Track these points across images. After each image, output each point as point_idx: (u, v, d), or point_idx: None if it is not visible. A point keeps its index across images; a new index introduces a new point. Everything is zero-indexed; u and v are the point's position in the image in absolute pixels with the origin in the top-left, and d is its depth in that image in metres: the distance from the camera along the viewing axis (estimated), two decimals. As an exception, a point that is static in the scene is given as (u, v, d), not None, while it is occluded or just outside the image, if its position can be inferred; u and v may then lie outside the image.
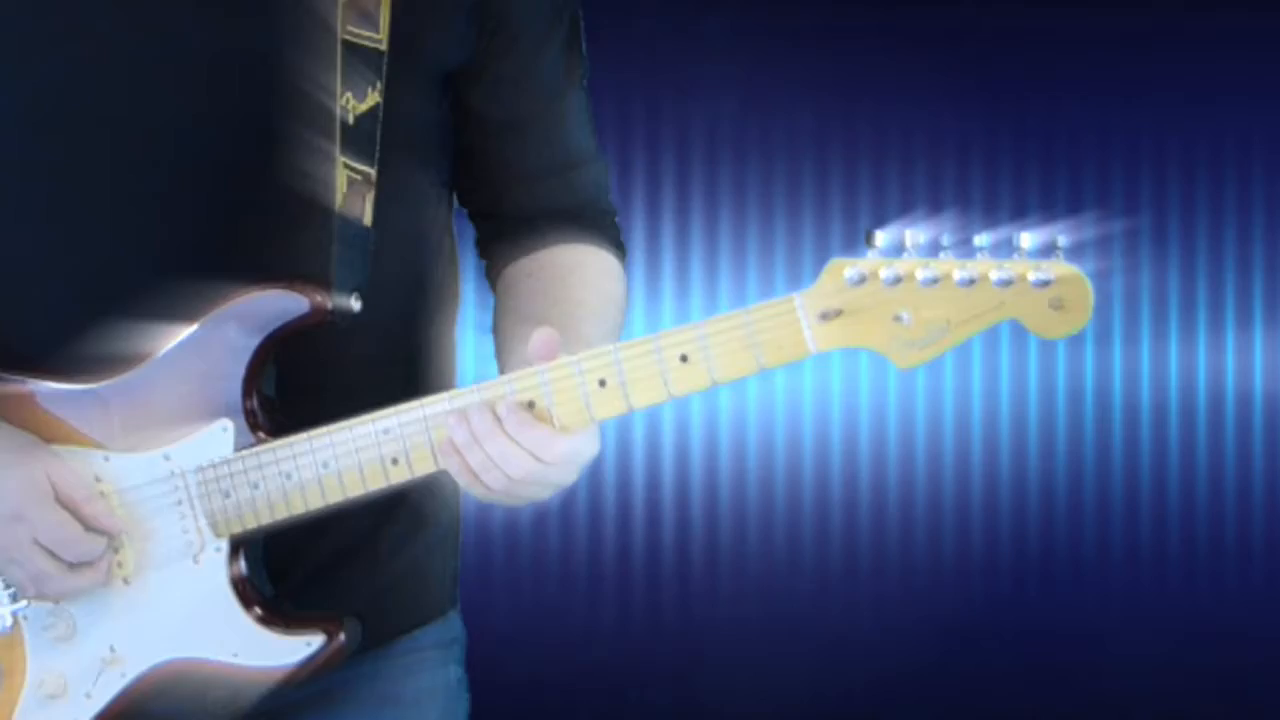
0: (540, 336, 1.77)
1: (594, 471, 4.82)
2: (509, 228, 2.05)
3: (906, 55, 4.80)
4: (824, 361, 4.65)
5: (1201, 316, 4.84)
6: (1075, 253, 1.67)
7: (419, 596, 2.08)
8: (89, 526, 1.86)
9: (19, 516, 1.84)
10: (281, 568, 1.92)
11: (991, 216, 5.10)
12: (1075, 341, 4.85)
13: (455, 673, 2.11)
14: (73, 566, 1.85)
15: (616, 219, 2.09)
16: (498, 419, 1.75)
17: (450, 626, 2.12)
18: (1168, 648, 4.82)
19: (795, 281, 4.75)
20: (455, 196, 2.08)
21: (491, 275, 2.07)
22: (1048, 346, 4.87)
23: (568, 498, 4.77)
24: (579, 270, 2.00)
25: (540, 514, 4.52)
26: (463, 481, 1.79)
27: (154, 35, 1.86)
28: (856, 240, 5.04)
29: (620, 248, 2.07)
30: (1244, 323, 4.81)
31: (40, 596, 1.89)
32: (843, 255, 1.67)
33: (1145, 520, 4.88)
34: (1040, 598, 4.91)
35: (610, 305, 1.98)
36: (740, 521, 4.89)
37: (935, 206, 4.84)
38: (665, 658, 4.81)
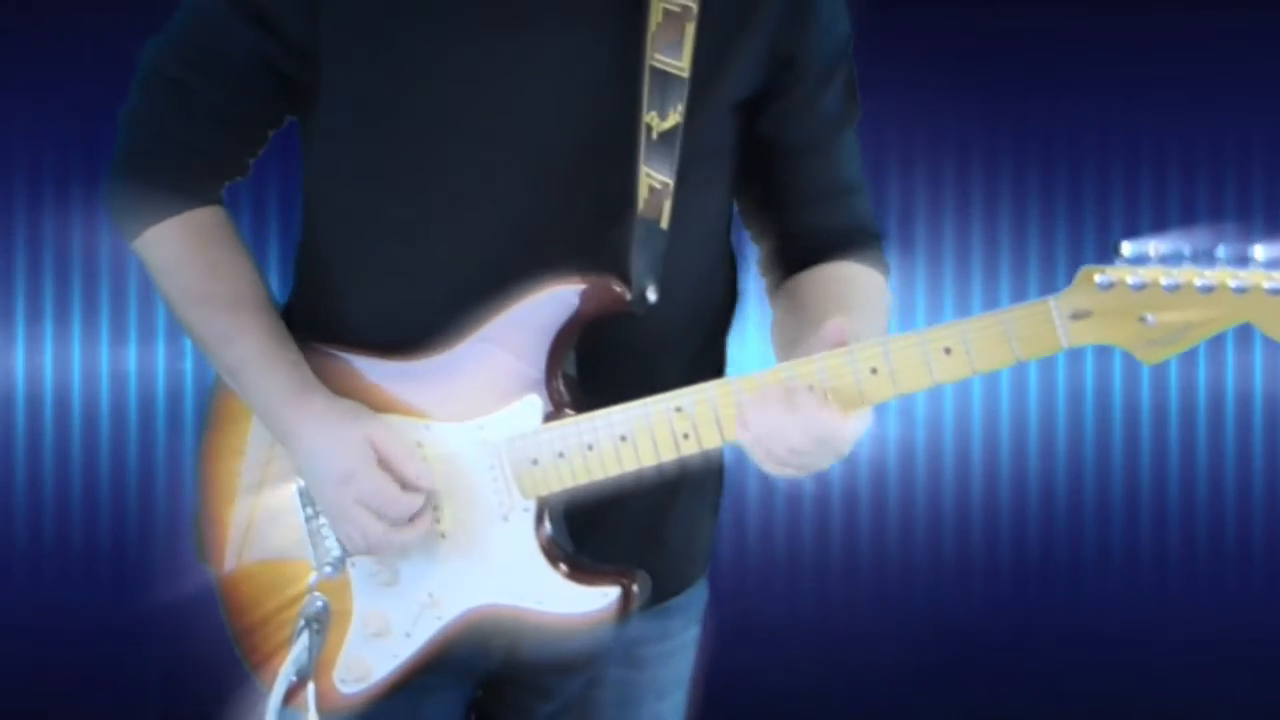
0: (833, 324, 2.04)
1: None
2: (790, 245, 2.31)
3: (907, 55, 4.84)
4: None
5: (1201, 316, 4.90)
6: None
7: (685, 566, 2.37)
8: (407, 486, 2.13)
9: (348, 478, 2.13)
10: (577, 531, 2.19)
11: (991, 216, 5.11)
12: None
13: (695, 631, 2.41)
14: (394, 524, 2.13)
15: (882, 239, 2.37)
16: (793, 403, 2.01)
17: (700, 591, 2.41)
18: (1168, 648, 4.89)
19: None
20: (740, 216, 2.36)
21: (772, 288, 2.34)
22: (1048, 348, 4.91)
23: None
24: (855, 282, 2.27)
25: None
26: (755, 455, 2.06)
27: (502, 55, 2.14)
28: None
29: (886, 265, 2.34)
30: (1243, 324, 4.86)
31: (367, 552, 2.16)
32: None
33: (1145, 520, 4.98)
34: (1040, 598, 5.00)
35: (880, 315, 2.26)
36: (740, 521, 4.93)
37: (935, 206, 4.90)
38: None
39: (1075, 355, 4.97)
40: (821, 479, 4.93)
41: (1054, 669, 4.92)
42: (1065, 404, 4.97)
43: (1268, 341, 4.87)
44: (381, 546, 2.14)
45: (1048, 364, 4.97)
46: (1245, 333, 4.90)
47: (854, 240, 2.30)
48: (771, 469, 2.06)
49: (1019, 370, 4.95)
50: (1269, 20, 4.85)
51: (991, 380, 4.95)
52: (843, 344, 2.02)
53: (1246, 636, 4.92)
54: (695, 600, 2.40)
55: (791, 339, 2.17)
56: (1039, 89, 4.92)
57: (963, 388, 4.95)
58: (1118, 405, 4.96)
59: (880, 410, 4.89)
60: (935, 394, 4.94)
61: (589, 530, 2.20)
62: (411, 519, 2.14)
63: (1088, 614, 4.96)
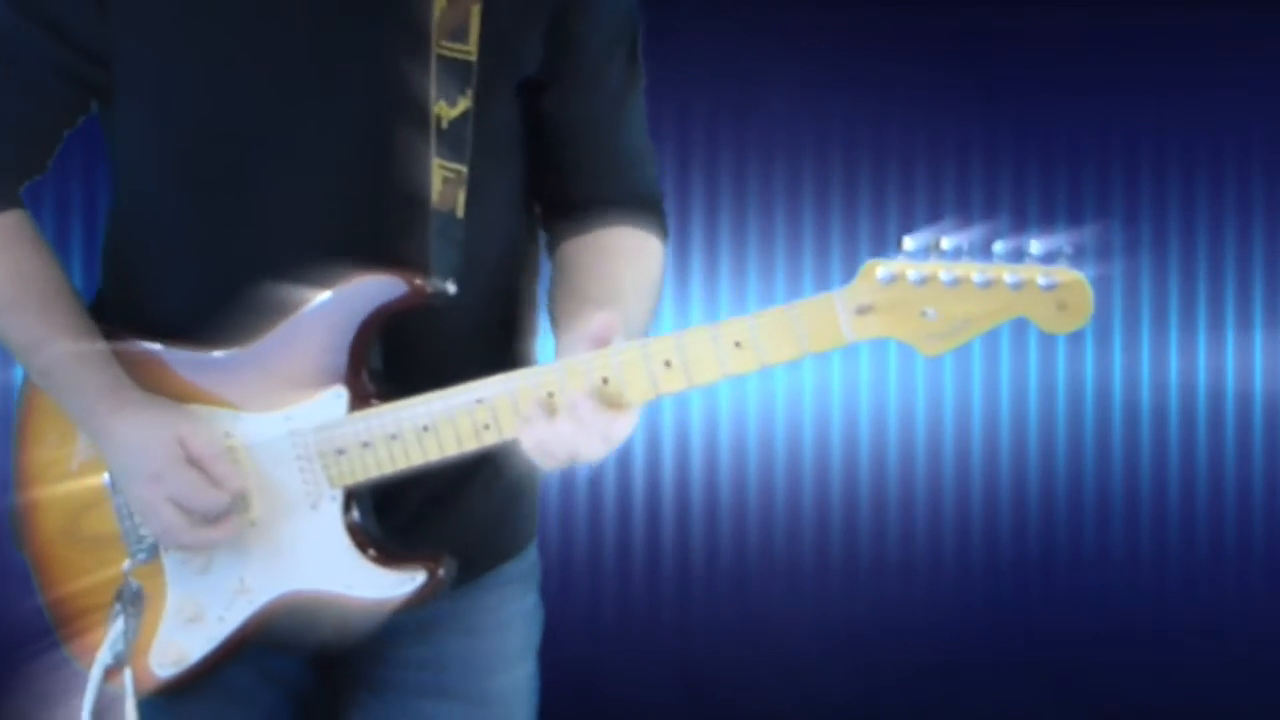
0: (601, 320, 2.09)
1: (593, 474, 4.87)
2: (572, 211, 2.36)
3: (906, 55, 4.87)
4: (824, 360, 4.74)
5: (1201, 316, 4.92)
6: (1079, 258, 1.93)
7: (503, 536, 2.41)
8: (215, 483, 2.19)
9: (157, 477, 2.19)
10: (385, 512, 2.24)
11: (991, 216, 5.15)
12: (1075, 341, 4.94)
13: (532, 599, 2.45)
14: (202, 522, 2.19)
15: (663, 205, 2.42)
16: (577, 416, 2.07)
17: (528, 558, 2.45)
18: (1168, 648, 4.88)
19: (794, 277, 4.85)
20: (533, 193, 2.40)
21: (550, 248, 2.39)
22: (1048, 346, 4.96)
23: (565, 498, 4.85)
24: (627, 253, 2.33)
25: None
26: (533, 454, 2.11)
27: (281, 52, 2.19)
28: (856, 238, 5.15)
29: (664, 231, 2.40)
30: (1244, 323, 4.90)
31: (177, 547, 2.23)
32: (873, 255, 1.99)
33: (1145, 520, 4.97)
34: (1040, 597, 4.99)
35: (652, 284, 2.34)
36: (740, 521, 4.97)
37: (935, 206, 4.94)
38: (666, 657, 4.87)
39: (1076, 351, 4.98)
40: (821, 478, 5.01)
41: (1053, 669, 4.92)
42: (1065, 404, 4.98)
43: (1269, 339, 4.90)
44: (190, 543, 2.20)
45: (1048, 363, 4.97)
46: (1248, 331, 4.93)
47: (633, 206, 2.34)
48: (546, 465, 2.11)
49: (1019, 370, 4.98)
50: (1269, 20, 4.85)
51: (991, 380, 4.96)
52: (607, 344, 2.08)
53: (1246, 636, 4.92)
54: (528, 567, 2.44)
55: (565, 311, 2.24)
56: (1039, 89, 4.94)
57: (963, 387, 4.97)
58: (1118, 405, 4.96)
59: (880, 410, 4.96)
60: (935, 394, 4.97)
61: (400, 510, 2.25)
62: (220, 517, 2.20)
63: (1087, 613, 4.96)
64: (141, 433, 2.19)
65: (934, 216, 4.98)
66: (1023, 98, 4.94)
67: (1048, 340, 4.87)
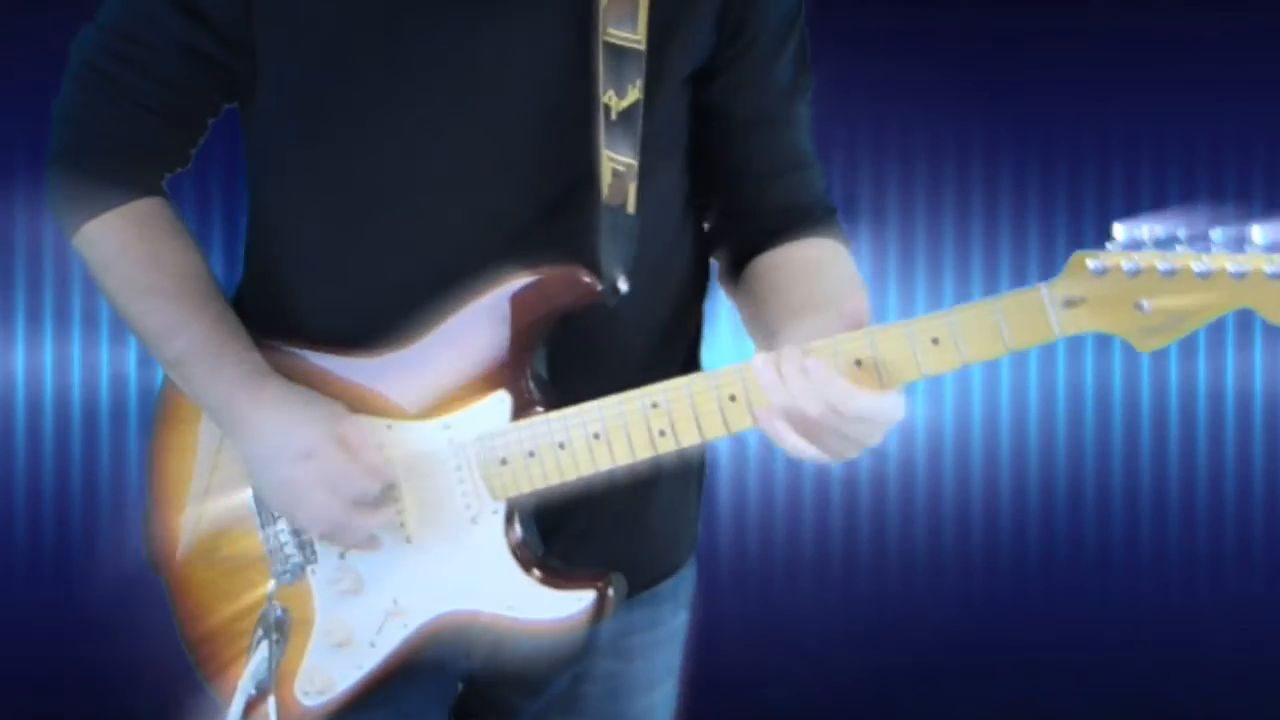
0: (852, 304, 1.95)
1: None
2: (749, 223, 2.21)
3: (906, 55, 4.85)
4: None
5: (1201, 317, 4.91)
6: None
7: (669, 552, 2.28)
8: (368, 472, 2.04)
9: (309, 454, 2.02)
10: (549, 528, 2.09)
11: (992, 216, 5.11)
12: (1075, 342, 4.91)
13: (684, 618, 2.32)
14: (354, 505, 2.03)
15: (837, 215, 2.26)
16: (805, 369, 1.89)
17: (688, 575, 2.31)
18: (1168, 648, 4.89)
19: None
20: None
21: (730, 268, 2.23)
22: (1048, 347, 4.91)
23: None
24: (830, 262, 2.18)
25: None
26: (770, 431, 1.93)
27: (446, 40, 2.06)
28: (856, 238, 5.09)
29: (847, 241, 2.23)
30: (1244, 323, 4.89)
31: (324, 536, 2.07)
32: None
33: (1145, 520, 4.97)
34: (1040, 597, 4.98)
35: (861, 292, 2.14)
36: (740, 521, 4.94)
37: (935, 205, 4.91)
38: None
39: (1076, 351, 4.97)
40: (822, 478, 4.98)
41: (1053, 669, 4.92)
42: (1065, 404, 4.98)
43: (1270, 340, 4.91)
44: (342, 529, 2.05)
45: (1048, 363, 4.98)
46: (1248, 331, 4.94)
47: (814, 216, 2.21)
48: (789, 448, 1.93)
49: (1019, 370, 4.98)
50: (1269, 20, 4.87)
51: (992, 380, 4.96)
52: (862, 324, 1.93)
53: (1247, 636, 4.93)
54: (683, 585, 2.31)
55: (773, 326, 2.07)
56: (1039, 89, 4.94)
57: (963, 387, 4.96)
58: (1118, 405, 4.97)
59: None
60: (936, 394, 4.96)
61: (564, 524, 2.11)
62: (374, 506, 2.05)
63: (1087, 613, 4.97)
64: (290, 413, 2.04)
65: (933, 218, 4.97)
66: (1023, 98, 4.94)
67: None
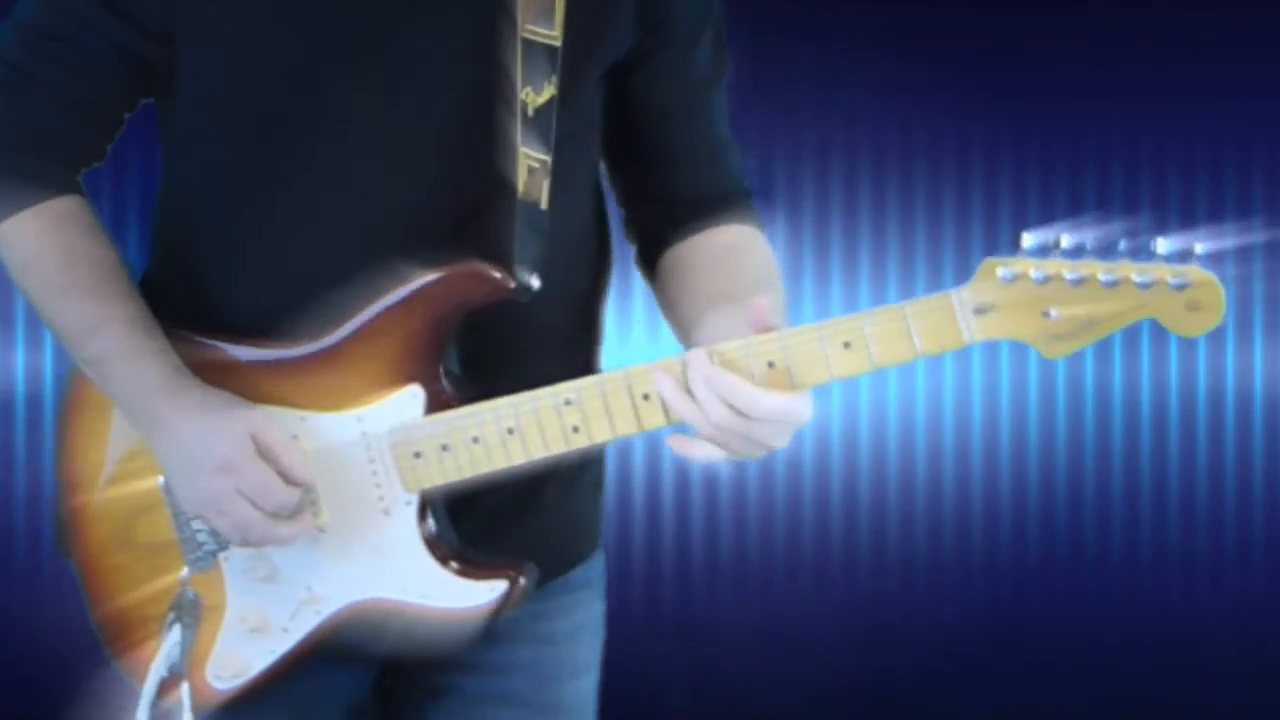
0: (756, 307, 1.97)
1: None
2: (667, 210, 2.24)
3: (906, 55, 4.86)
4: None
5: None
6: (1211, 258, 1.87)
7: (575, 541, 2.30)
8: (286, 479, 2.05)
9: (227, 468, 2.03)
10: (459, 516, 2.12)
11: (992, 216, 5.10)
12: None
13: (600, 607, 2.34)
14: (273, 515, 2.04)
15: (753, 199, 2.29)
16: (707, 379, 1.95)
17: (596, 564, 2.34)
18: (1168, 648, 4.88)
19: (792, 277, 4.80)
20: (609, 182, 2.29)
21: (650, 256, 2.26)
22: (1049, 346, 4.91)
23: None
24: (747, 248, 2.21)
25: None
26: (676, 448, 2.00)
27: (366, 37, 2.08)
28: (856, 238, 5.08)
29: (762, 224, 2.27)
30: (1244, 324, 4.89)
31: (244, 544, 2.09)
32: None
33: (1145, 520, 4.96)
34: (1040, 597, 4.97)
35: (777, 280, 2.19)
36: (740, 521, 4.95)
37: (935, 205, 4.91)
38: (665, 658, 4.84)
39: (1075, 356, 4.96)
40: (821, 478, 4.99)
41: (1052, 669, 4.92)
42: (1065, 404, 4.98)
43: (1270, 340, 4.90)
44: (262, 539, 2.06)
45: (1047, 362, 4.95)
46: (1248, 332, 4.93)
47: (731, 201, 2.23)
48: (701, 454, 1.99)
49: (1019, 370, 4.97)
50: (1269, 20, 4.86)
51: (992, 380, 4.95)
52: (769, 329, 1.96)
53: (1246, 636, 4.92)
54: (595, 573, 2.33)
55: (690, 315, 2.12)
56: (1039, 89, 4.93)
57: (963, 387, 4.96)
58: (1118, 405, 4.96)
59: (880, 410, 4.93)
60: (935, 394, 4.96)
61: (465, 518, 2.13)
62: (292, 514, 2.06)
63: (1087, 613, 4.97)
64: (209, 422, 2.04)
65: (932, 218, 4.97)
66: (1023, 98, 4.94)
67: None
